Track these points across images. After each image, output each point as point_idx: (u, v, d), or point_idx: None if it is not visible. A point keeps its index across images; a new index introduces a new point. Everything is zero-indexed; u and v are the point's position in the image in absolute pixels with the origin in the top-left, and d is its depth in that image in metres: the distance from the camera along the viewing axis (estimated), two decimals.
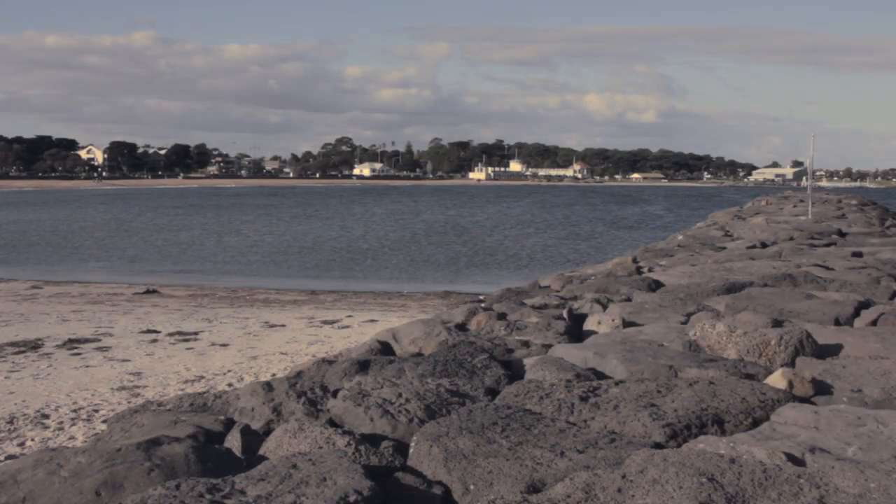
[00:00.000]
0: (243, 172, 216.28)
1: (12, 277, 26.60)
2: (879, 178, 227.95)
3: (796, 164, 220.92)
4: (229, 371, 11.86)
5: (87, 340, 14.13)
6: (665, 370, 4.68)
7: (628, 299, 7.90)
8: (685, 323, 6.37)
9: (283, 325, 16.04)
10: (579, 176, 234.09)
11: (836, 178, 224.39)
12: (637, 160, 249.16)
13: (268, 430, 4.13)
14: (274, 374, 11.24)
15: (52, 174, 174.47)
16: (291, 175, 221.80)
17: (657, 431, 3.69)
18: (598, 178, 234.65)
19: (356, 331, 15.35)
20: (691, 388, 4.17)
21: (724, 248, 13.25)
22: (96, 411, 9.65)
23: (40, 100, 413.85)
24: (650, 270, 10.38)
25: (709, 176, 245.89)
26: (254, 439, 3.92)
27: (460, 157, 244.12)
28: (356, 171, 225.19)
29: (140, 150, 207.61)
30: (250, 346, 13.77)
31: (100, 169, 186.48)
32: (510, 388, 4.42)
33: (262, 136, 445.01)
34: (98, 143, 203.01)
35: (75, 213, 68.44)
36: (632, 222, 60.82)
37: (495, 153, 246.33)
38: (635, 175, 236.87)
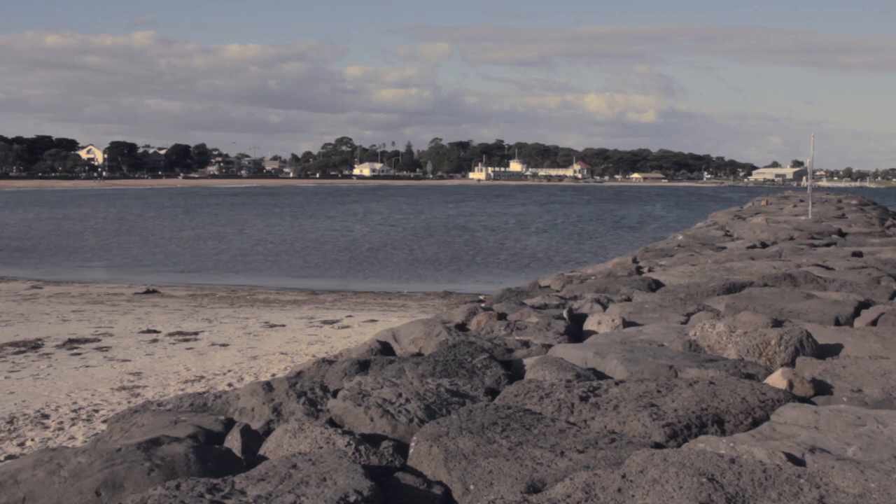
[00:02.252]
0: (243, 172, 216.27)
1: (12, 277, 26.62)
2: (879, 178, 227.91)
3: (796, 164, 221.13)
4: (229, 371, 11.86)
5: (87, 340, 14.13)
6: (665, 370, 4.68)
7: (628, 299, 7.90)
8: (685, 323, 6.38)
9: (283, 325, 16.03)
10: (579, 176, 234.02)
11: (836, 178, 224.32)
12: (637, 160, 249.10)
13: (268, 430, 4.13)
14: (274, 374, 11.24)
15: (52, 174, 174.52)
16: (291, 175, 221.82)
17: (657, 431, 3.69)
18: (598, 178, 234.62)
19: (356, 331, 15.35)
20: (691, 388, 4.17)
21: (724, 248, 13.25)
22: (96, 411, 9.65)
23: (40, 100, 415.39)
24: (650, 270, 10.38)
25: (709, 176, 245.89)
26: (254, 439, 3.92)
27: (460, 157, 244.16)
28: (356, 171, 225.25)
29: (140, 150, 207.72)
30: (250, 346, 13.76)
31: (100, 169, 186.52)
32: (510, 388, 4.41)
33: (262, 136, 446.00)
34: (98, 143, 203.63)
35: (75, 212, 68.44)
36: (632, 222, 60.79)
37: (495, 153, 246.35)
38: (635, 175, 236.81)
